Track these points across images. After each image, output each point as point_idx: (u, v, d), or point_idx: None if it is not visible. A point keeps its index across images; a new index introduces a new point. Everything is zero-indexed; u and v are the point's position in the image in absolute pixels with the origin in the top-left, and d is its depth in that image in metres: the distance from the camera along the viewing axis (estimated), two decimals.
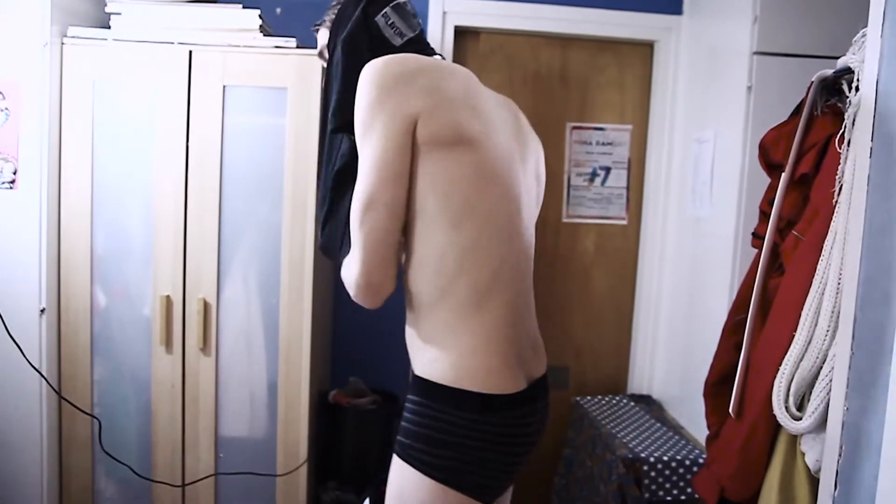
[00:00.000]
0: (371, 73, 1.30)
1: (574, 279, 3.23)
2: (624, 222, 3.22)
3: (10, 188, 2.34)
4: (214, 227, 2.42)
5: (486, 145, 1.33)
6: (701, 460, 2.44)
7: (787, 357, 1.34)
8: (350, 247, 1.37)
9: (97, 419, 2.44)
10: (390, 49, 1.46)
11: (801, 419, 1.30)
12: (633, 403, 3.00)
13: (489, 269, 1.31)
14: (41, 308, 2.39)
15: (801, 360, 1.32)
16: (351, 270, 1.37)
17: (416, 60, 1.34)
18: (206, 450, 2.48)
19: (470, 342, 1.30)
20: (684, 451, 2.50)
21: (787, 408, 1.32)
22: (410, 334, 1.41)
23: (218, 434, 2.49)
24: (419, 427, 1.30)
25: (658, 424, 2.76)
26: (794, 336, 1.35)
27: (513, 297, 1.35)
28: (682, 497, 2.41)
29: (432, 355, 1.33)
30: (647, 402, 3.05)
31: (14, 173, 2.34)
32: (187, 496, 2.50)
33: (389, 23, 1.48)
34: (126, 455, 2.46)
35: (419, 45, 1.52)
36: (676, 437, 2.63)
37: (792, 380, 1.32)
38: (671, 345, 3.02)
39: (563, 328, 3.24)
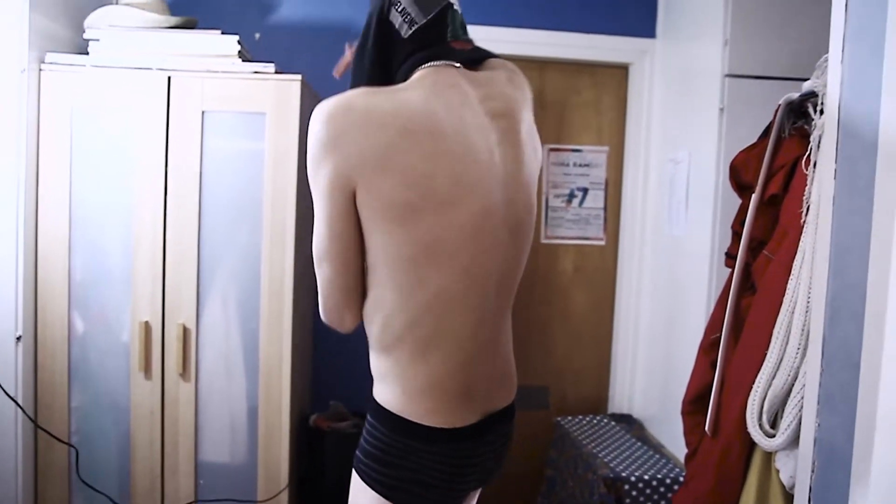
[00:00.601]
0: (319, 119, 1.22)
1: (553, 299, 3.25)
2: (602, 242, 3.25)
3: None
4: (193, 251, 2.42)
5: (446, 215, 1.22)
6: (681, 479, 2.46)
7: (759, 375, 1.36)
8: None
9: (74, 448, 2.41)
10: (396, 43, 1.34)
11: (774, 436, 1.32)
12: (613, 423, 3.02)
13: (437, 329, 1.28)
14: (17, 335, 2.36)
15: (773, 377, 1.34)
16: (320, 308, 1.38)
17: (366, 112, 1.20)
18: (186, 476, 2.46)
19: (415, 384, 1.30)
20: (665, 470, 2.51)
21: (760, 425, 1.34)
22: (371, 358, 1.42)
23: (198, 460, 2.46)
24: (370, 446, 1.35)
25: (639, 444, 2.78)
26: (766, 354, 1.37)
27: (467, 342, 1.31)
28: None
29: (383, 384, 1.36)
30: (627, 422, 3.06)
31: None
32: None
33: (400, 9, 1.33)
34: (104, 484, 2.43)
35: (433, 32, 1.34)
36: (657, 457, 2.64)
37: (765, 397, 1.34)
38: (650, 364, 3.04)
39: (544, 348, 3.26)
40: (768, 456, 1.38)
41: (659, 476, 2.44)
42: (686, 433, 1.89)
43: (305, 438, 2.73)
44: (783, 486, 1.35)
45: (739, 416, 1.38)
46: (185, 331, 2.42)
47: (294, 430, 2.53)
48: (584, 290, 3.27)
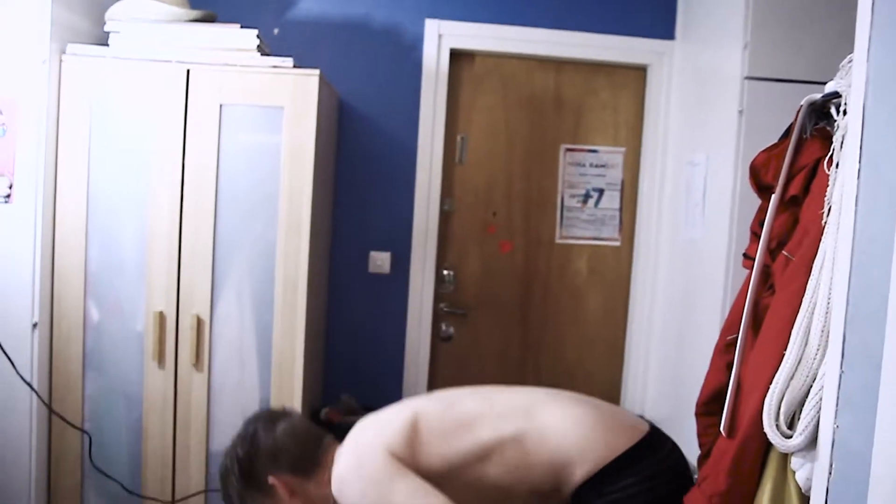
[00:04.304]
0: None
1: (567, 300, 3.25)
2: (617, 243, 3.24)
3: (6, 203, 2.35)
4: (209, 243, 2.43)
5: None
6: (693, 479, 2.44)
7: (777, 375, 1.35)
8: None
9: (87, 434, 2.43)
10: None
11: (791, 437, 1.31)
12: None
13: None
14: (34, 322, 2.38)
15: (791, 378, 1.33)
16: None
17: None
18: (197, 466, 2.47)
19: None
20: None
21: (777, 426, 1.33)
22: None
23: (209, 450, 2.47)
24: None
25: None
26: (784, 355, 1.36)
27: None
28: None
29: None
30: None
31: (10, 188, 2.35)
32: None
33: None
34: (116, 471, 2.45)
35: None
36: None
37: (783, 398, 1.33)
38: (664, 365, 3.03)
39: (556, 348, 3.25)
40: (784, 457, 1.37)
41: None
42: (699, 434, 1.87)
43: None
44: (799, 488, 1.34)
45: (756, 416, 1.37)
46: (199, 321, 2.44)
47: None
48: (597, 290, 3.26)
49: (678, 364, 2.88)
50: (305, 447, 1.58)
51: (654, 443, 1.47)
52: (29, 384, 2.30)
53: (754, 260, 1.66)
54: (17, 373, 2.24)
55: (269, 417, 1.63)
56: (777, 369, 1.36)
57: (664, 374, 3.02)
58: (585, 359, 3.26)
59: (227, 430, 2.46)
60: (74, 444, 2.47)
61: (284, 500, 1.56)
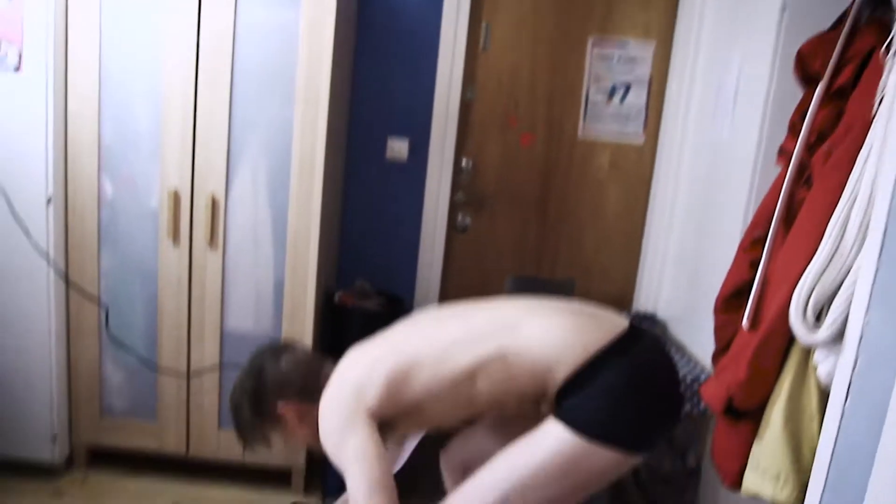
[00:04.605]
0: None
1: (587, 196, 3.20)
2: (641, 141, 3.16)
3: (16, 72, 2.28)
4: (224, 121, 2.37)
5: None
6: (702, 378, 2.46)
7: (808, 269, 1.32)
8: None
9: (104, 305, 2.45)
10: None
11: (817, 331, 1.29)
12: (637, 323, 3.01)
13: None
14: (48, 197, 2.36)
15: (823, 271, 1.30)
16: None
17: None
18: (212, 342, 2.50)
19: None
20: (686, 369, 2.51)
21: (804, 319, 1.31)
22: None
23: (223, 328, 2.50)
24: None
25: None
26: (817, 248, 1.32)
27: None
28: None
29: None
30: (651, 321, 3.06)
31: (19, 57, 2.27)
32: (192, 386, 2.53)
33: None
34: (133, 343, 2.49)
35: None
36: (679, 355, 2.65)
37: (812, 291, 1.31)
38: (680, 265, 3.01)
39: (573, 243, 3.23)
40: (807, 352, 1.36)
41: (681, 374, 2.44)
42: (717, 330, 1.87)
43: (330, 314, 2.75)
44: (819, 383, 1.34)
45: (781, 309, 1.35)
46: (214, 201, 2.41)
47: (319, 304, 2.55)
48: (618, 187, 3.20)
49: (695, 264, 2.86)
50: (309, 375, 1.65)
51: (632, 338, 1.48)
52: (45, 257, 2.30)
53: (790, 155, 1.60)
54: (33, 245, 2.23)
55: (273, 351, 1.70)
56: (808, 263, 1.33)
57: (680, 274, 3.00)
58: (602, 255, 3.24)
59: (241, 309, 2.49)
60: (91, 318, 2.49)
61: (294, 426, 1.66)
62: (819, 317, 1.32)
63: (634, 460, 1.44)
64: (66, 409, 2.57)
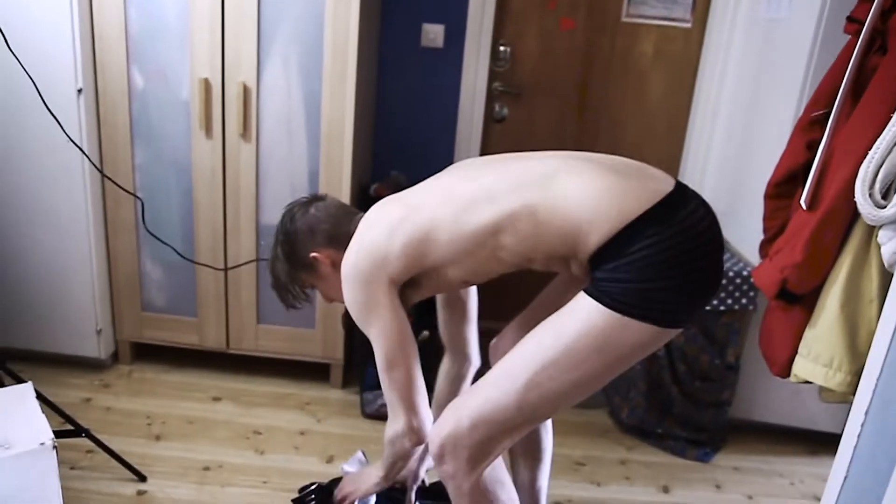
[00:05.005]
0: None
1: (629, 83, 3.06)
2: (688, 25, 2.98)
3: None
4: (254, 7, 2.27)
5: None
6: (746, 273, 2.40)
7: (878, 141, 1.23)
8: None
9: (140, 199, 2.44)
10: None
11: (885, 207, 1.21)
12: None
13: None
14: (78, 88, 2.32)
15: (894, 145, 1.21)
16: (398, 422, 1.52)
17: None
18: (248, 236, 2.49)
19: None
20: (728, 264, 2.45)
21: (871, 195, 1.23)
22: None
23: (259, 221, 2.48)
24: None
25: None
26: (889, 119, 1.23)
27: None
28: (722, 308, 2.40)
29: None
30: None
31: None
32: (230, 279, 2.55)
33: None
34: (169, 238, 2.49)
35: None
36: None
37: (881, 166, 1.22)
38: (725, 156, 2.89)
39: (613, 132, 3.12)
40: (870, 231, 1.29)
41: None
42: (766, 218, 1.79)
43: (365, 206, 2.71)
44: (881, 264, 1.27)
45: (845, 185, 1.27)
46: (246, 89, 2.34)
47: (354, 197, 2.51)
48: (662, 74, 3.05)
49: (741, 155, 2.74)
50: (339, 221, 1.63)
51: (675, 203, 1.34)
52: (79, 147, 2.28)
53: (861, 23, 1.48)
54: (66, 134, 2.20)
55: (303, 203, 1.69)
56: (878, 136, 1.24)
57: (724, 167, 2.90)
58: (644, 145, 3.13)
59: (276, 202, 2.46)
60: (128, 210, 2.49)
61: (328, 272, 1.63)
62: (886, 193, 1.24)
63: (671, 334, 1.38)
64: (108, 304, 2.61)
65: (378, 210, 1.55)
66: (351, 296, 1.49)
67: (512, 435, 1.41)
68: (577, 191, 1.36)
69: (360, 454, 1.97)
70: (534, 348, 1.37)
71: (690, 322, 1.39)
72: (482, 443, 1.39)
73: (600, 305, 1.31)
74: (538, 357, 1.35)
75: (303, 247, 1.62)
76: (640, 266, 1.30)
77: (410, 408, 1.50)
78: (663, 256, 1.30)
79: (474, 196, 1.42)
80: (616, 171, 1.40)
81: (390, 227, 1.47)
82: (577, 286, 1.42)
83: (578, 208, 1.35)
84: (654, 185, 1.37)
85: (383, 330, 1.47)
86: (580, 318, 1.33)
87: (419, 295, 1.57)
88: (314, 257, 1.61)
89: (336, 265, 1.59)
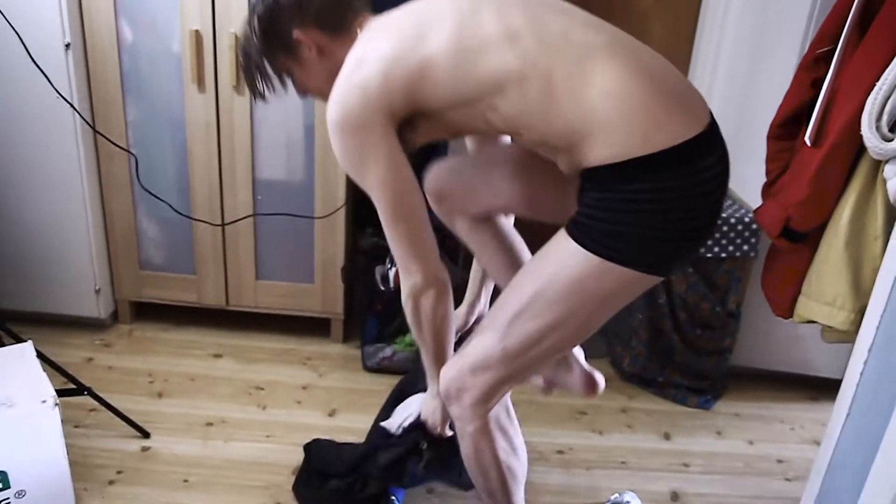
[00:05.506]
0: None
1: (629, 29, 2.98)
2: None
3: None
4: None
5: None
6: (747, 219, 2.38)
7: (886, 73, 1.20)
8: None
9: (134, 155, 2.41)
10: None
11: (892, 140, 1.19)
12: None
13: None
14: (66, 42, 2.27)
15: None
16: (411, 281, 1.36)
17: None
18: (244, 191, 2.47)
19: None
20: (730, 210, 2.43)
21: (878, 128, 1.20)
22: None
23: (255, 176, 2.46)
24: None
25: None
26: None
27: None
28: (723, 255, 2.38)
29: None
30: None
31: None
32: (227, 235, 2.53)
33: None
34: (165, 195, 2.46)
35: None
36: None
37: (889, 98, 1.19)
38: (727, 101, 2.85)
39: None
40: (876, 166, 1.27)
41: (724, 215, 2.36)
42: (769, 159, 1.77)
43: None
44: (887, 200, 1.25)
45: (851, 120, 1.25)
46: (238, 41, 2.28)
47: None
48: (663, 18, 2.98)
49: (742, 101, 2.70)
50: (336, 1, 1.39)
51: (696, 151, 1.19)
52: (69, 102, 2.24)
53: None
54: (55, 90, 2.17)
55: None
56: (885, 68, 1.21)
57: (725, 112, 2.85)
58: None
59: (272, 156, 2.43)
60: (122, 167, 2.46)
61: (312, 59, 1.40)
62: (894, 127, 1.22)
63: (654, 281, 1.29)
64: (106, 263, 2.60)
65: (383, 26, 1.33)
66: (341, 144, 1.30)
67: (509, 381, 1.40)
68: (608, 86, 1.19)
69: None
70: (511, 293, 1.34)
71: (677, 270, 1.31)
72: (482, 388, 1.38)
73: (580, 248, 1.23)
74: (515, 302, 1.32)
75: (285, 22, 1.37)
76: (631, 209, 1.20)
77: (423, 257, 1.34)
78: (660, 207, 1.20)
79: (492, 38, 1.22)
80: (660, 85, 1.23)
81: (390, 57, 1.25)
82: (550, 173, 1.36)
83: (601, 108, 1.18)
84: (687, 118, 1.22)
85: (382, 178, 1.29)
86: (558, 259, 1.27)
87: (414, 137, 1.37)
88: (297, 38, 1.37)
89: (323, 53, 1.39)
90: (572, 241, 1.24)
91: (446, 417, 1.60)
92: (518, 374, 1.40)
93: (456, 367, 1.40)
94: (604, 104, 1.17)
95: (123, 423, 2.11)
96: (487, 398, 1.41)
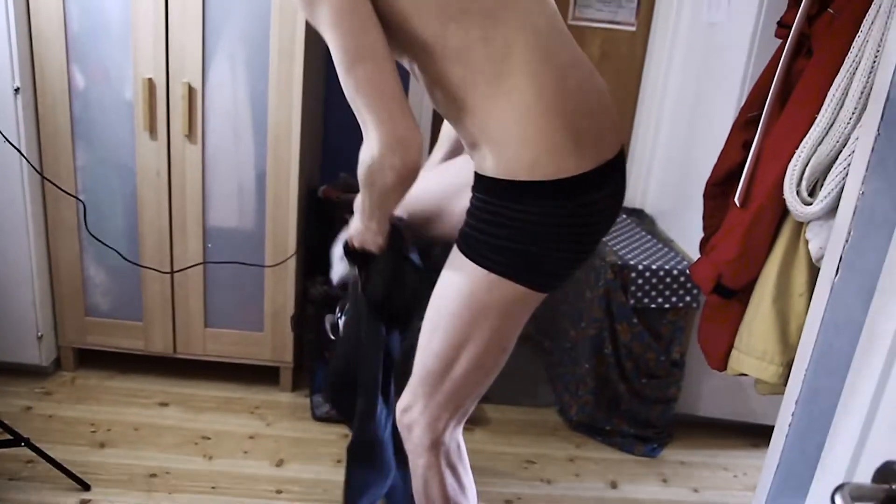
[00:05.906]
0: None
1: None
2: (633, 28, 3.05)
3: None
4: (198, 4, 2.25)
5: None
6: (688, 271, 2.46)
7: (804, 141, 1.28)
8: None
9: (82, 202, 2.39)
10: None
11: (811, 204, 1.26)
12: (625, 216, 2.99)
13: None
14: (15, 87, 2.26)
15: (819, 143, 1.26)
16: (372, 142, 1.18)
17: None
18: (194, 238, 2.46)
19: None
20: (673, 262, 2.50)
21: (798, 192, 1.27)
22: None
23: (206, 223, 2.45)
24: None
25: (649, 237, 2.76)
26: (814, 120, 1.28)
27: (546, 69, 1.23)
28: (667, 305, 2.45)
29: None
30: (638, 216, 3.03)
31: None
32: (176, 282, 2.51)
33: None
34: (114, 241, 2.44)
35: None
36: (666, 250, 2.63)
37: (807, 164, 1.27)
38: (669, 158, 2.96)
39: None
40: (798, 227, 1.34)
41: (666, 267, 2.44)
42: (706, 216, 1.84)
43: (314, 208, 2.70)
44: (810, 259, 1.32)
45: (774, 184, 1.32)
46: (191, 90, 2.31)
47: (302, 198, 2.50)
48: (608, 77, 3.05)
49: (684, 157, 2.81)
50: None
51: (587, 184, 1.21)
52: (17, 148, 2.23)
53: (789, 28, 1.53)
54: (4, 136, 2.15)
55: None
56: (804, 136, 1.29)
57: (668, 168, 2.96)
58: None
59: (223, 205, 2.44)
60: (70, 214, 2.44)
61: None
62: (813, 191, 1.29)
63: (540, 298, 1.31)
64: (50, 309, 2.55)
65: None
66: None
67: (446, 407, 1.41)
68: (519, 104, 1.19)
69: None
70: (428, 311, 1.36)
71: (561, 286, 1.33)
72: (426, 418, 1.42)
73: (466, 259, 1.26)
74: (428, 320, 1.36)
75: None
76: (508, 224, 1.21)
77: (385, 109, 1.16)
78: (537, 229, 1.21)
79: (472, 10, 1.18)
80: (572, 114, 1.23)
81: None
82: None
83: (504, 123, 1.19)
84: (587, 151, 1.24)
85: (337, 11, 1.13)
86: (452, 272, 1.30)
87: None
88: None
89: None
90: (460, 253, 1.28)
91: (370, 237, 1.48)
92: (451, 400, 1.41)
93: (406, 396, 1.45)
94: (508, 120, 1.18)
95: (62, 476, 2.05)
96: (432, 429, 1.43)
